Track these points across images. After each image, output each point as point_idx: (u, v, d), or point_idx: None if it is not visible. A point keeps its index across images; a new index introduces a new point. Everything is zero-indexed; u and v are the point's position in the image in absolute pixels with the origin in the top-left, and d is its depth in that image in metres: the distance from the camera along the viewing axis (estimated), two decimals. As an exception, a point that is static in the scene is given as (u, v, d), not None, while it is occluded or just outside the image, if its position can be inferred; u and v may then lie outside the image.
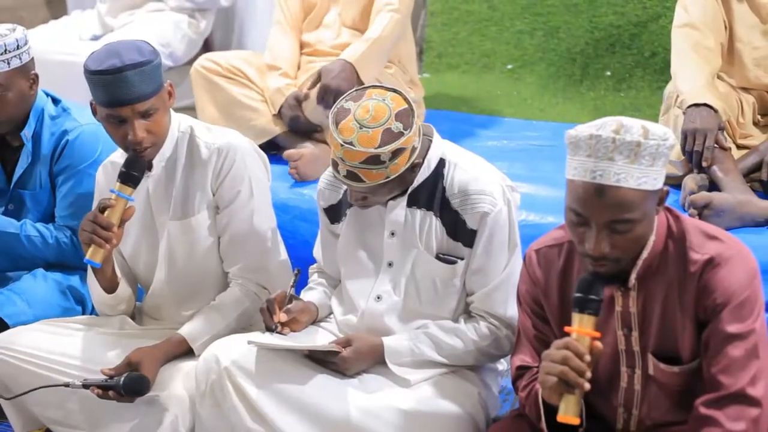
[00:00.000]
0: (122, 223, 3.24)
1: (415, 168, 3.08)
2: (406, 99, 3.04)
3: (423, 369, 3.14)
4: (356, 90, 3.08)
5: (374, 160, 2.97)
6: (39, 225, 3.80)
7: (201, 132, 3.42)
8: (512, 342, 3.13)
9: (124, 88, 3.17)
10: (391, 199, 3.14)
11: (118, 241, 3.25)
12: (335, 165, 3.04)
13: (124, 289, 3.46)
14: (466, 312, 3.22)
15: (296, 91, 4.47)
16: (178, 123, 3.40)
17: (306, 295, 3.36)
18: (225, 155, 3.36)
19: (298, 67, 4.66)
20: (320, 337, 3.26)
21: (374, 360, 3.14)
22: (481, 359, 3.20)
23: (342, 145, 2.97)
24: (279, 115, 4.52)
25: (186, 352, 3.32)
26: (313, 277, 3.47)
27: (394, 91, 3.05)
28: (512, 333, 3.13)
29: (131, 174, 3.24)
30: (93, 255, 3.21)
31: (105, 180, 3.49)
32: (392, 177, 3.02)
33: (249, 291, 3.43)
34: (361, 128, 2.97)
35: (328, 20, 4.70)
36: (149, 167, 3.36)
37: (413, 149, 3.03)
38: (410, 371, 3.12)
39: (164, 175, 3.40)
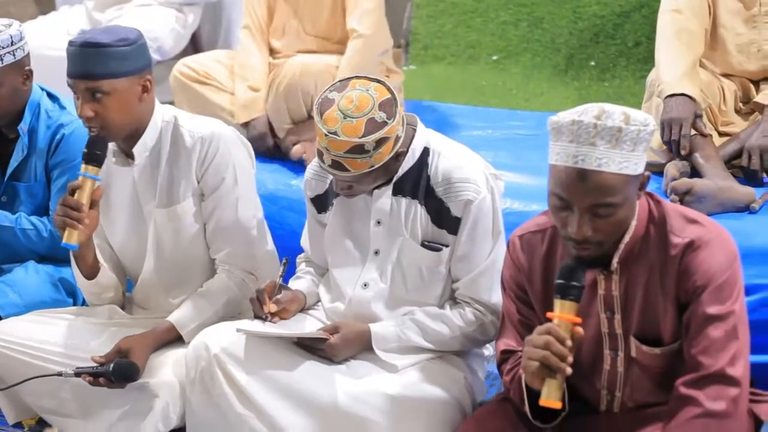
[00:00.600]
0: (94, 204, 3.27)
1: (399, 157, 3.11)
2: (389, 89, 3.07)
3: (410, 355, 3.17)
4: (340, 81, 3.11)
5: (358, 150, 3.00)
6: (33, 218, 3.83)
7: (185, 121, 3.44)
8: (497, 327, 3.13)
9: (79, 62, 3.24)
10: (377, 188, 3.17)
11: (93, 222, 3.28)
12: (320, 155, 3.07)
13: (107, 276, 3.48)
14: (452, 298, 3.25)
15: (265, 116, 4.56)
16: (162, 113, 3.42)
17: (294, 284, 3.39)
18: (209, 143, 3.39)
19: (269, 70, 4.70)
20: (308, 325, 3.29)
21: (361, 346, 3.17)
22: (467, 344, 3.24)
23: (326, 135, 3.00)
24: (244, 126, 4.57)
25: (175, 339, 3.35)
26: (301, 267, 3.49)
27: (378, 81, 3.08)
28: (497, 318, 3.15)
29: (94, 153, 3.27)
30: (69, 238, 3.25)
31: None
32: (376, 166, 3.05)
33: (236, 277, 3.45)
34: (345, 118, 3.00)
35: (290, 29, 4.74)
36: (131, 157, 3.39)
37: (397, 138, 3.06)
38: (397, 357, 3.15)
39: (149, 164, 3.42)
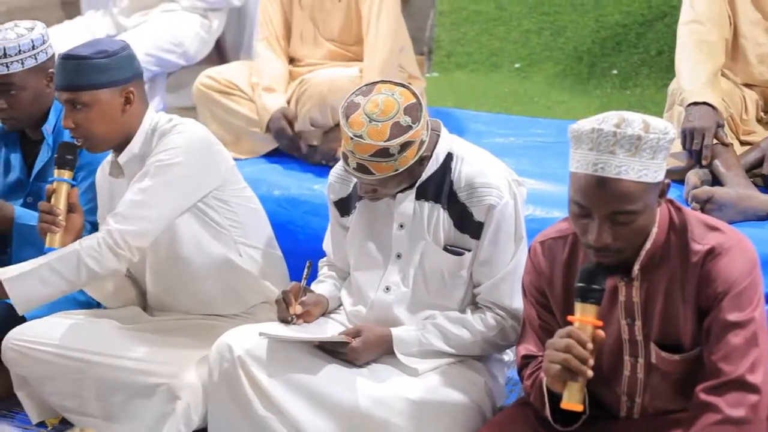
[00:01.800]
0: (74, 207, 3.35)
1: (423, 161, 3.13)
2: (414, 93, 3.09)
3: (430, 359, 3.18)
4: (366, 85, 3.13)
5: (383, 153, 3.02)
6: None
7: (162, 122, 3.45)
8: (518, 332, 3.15)
9: (61, 74, 3.31)
10: (400, 191, 3.19)
11: (76, 225, 3.37)
12: (345, 158, 3.09)
13: (101, 282, 3.49)
14: (473, 303, 3.26)
15: (284, 107, 4.54)
16: (150, 120, 3.45)
17: (317, 288, 3.41)
18: (164, 132, 3.40)
19: (289, 80, 4.71)
20: (330, 328, 3.30)
21: (383, 350, 3.18)
22: (487, 349, 3.25)
23: (352, 138, 3.02)
24: (267, 129, 4.57)
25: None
26: (323, 270, 3.51)
27: (403, 85, 3.11)
28: (518, 323, 3.16)
29: (64, 158, 3.37)
30: (50, 242, 3.33)
31: (101, 177, 3.58)
32: (401, 170, 3.07)
33: (105, 239, 3.33)
34: (370, 122, 3.02)
35: (308, 35, 4.74)
36: (121, 171, 3.43)
37: (421, 143, 3.08)
38: (418, 361, 3.16)
39: (138, 170, 3.41)
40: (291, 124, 4.55)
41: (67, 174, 3.35)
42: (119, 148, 3.42)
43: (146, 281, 3.56)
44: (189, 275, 3.49)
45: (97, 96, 3.31)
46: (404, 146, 3.03)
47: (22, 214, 3.82)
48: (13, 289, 3.29)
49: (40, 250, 3.78)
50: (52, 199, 3.33)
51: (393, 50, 4.59)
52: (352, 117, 3.04)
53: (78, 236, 3.34)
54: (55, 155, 3.35)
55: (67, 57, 3.29)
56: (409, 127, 3.03)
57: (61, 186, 3.35)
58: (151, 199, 3.33)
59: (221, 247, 3.49)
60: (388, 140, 3.01)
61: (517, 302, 3.16)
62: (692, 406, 2.65)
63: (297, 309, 3.22)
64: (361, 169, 3.06)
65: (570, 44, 5.79)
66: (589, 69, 5.64)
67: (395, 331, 3.19)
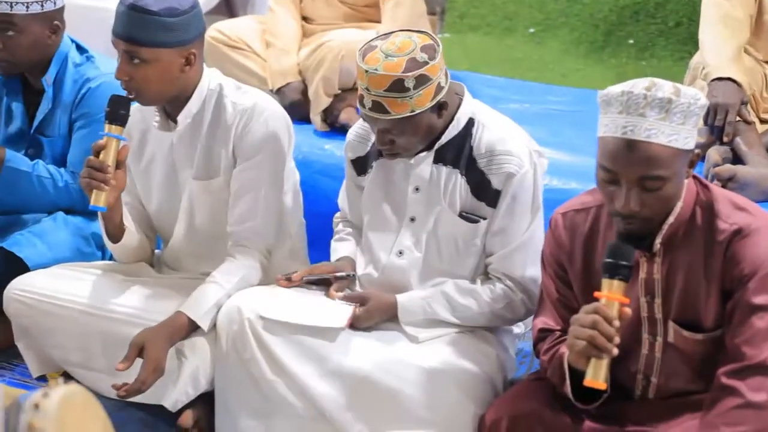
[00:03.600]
0: (120, 164, 3.20)
1: (441, 110, 3.07)
2: (433, 38, 3.06)
3: (434, 328, 3.15)
4: (384, 33, 3.11)
5: (399, 87, 2.97)
6: (51, 167, 3.79)
7: (230, 91, 3.39)
8: (527, 306, 3.16)
9: (123, 23, 3.17)
10: (419, 153, 3.14)
11: (120, 183, 3.22)
12: (361, 99, 3.04)
13: (131, 239, 3.44)
14: (484, 273, 3.23)
15: (297, 81, 4.55)
16: (209, 80, 3.37)
17: (339, 246, 3.39)
18: (249, 115, 3.33)
19: (302, 38, 4.71)
20: (326, 302, 3.23)
21: (386, 317, 3.17)
22: (494, 321, 3.21)
23: (367, 72, 2.98)
24: (278, 92, 4.54)
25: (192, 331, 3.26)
26: (339, 227, 3.48)
27: (421, 32, 3.08)
28: (527, 297, 3.15)
29: (117, 112, 3.20)
30: (96, 200, 3.17)
31: (132, 125, 3.46)
32: (417, 111, 3.00)
33: (250, 257, 3.37)
34: (386, 57, 2.99)
35: None
36: (174, 121, 3.35)
37: (439, 86, 3.03)
38: (421, 330, 3.14)
39: (189, 131, 3.37)
40: (304, 94, 4.54)
41: (117, 130, 3.19)
42: (171, 103, 3.33)
43: (172, 238, 3.51)
44: (219, 247, 3.42)
45: (159, 54, 3.19)
46: (420, 80, 2.98)
47: (12, 157, 3.76)
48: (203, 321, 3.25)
49: (28, 198, 3.73)
50: (101, 155, 3.19)
51: (412, 12, 4.57)
52: (368, 55, 3.01)
53: (121, 193, 3.25)
54: (106, 108, 3.21)
55: (132, 7, 3.15)
56: (426, 63, 2.98)
57: (112, 142, 3.19)
58: (259, 209, 3.37)
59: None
60: (404, 72, 2.96)
61: (529, 274, 3.14)
62: (713, 389, 2.62)
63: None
64: (377, 107, 3.00)
65: (587, 11, 5.75)
66: (604, 37, 5.61)
67: (401, 299, 3.16)
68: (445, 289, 3.17)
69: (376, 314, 3.16)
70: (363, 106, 3.04)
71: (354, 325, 3.13)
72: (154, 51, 3.18)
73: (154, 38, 3.17)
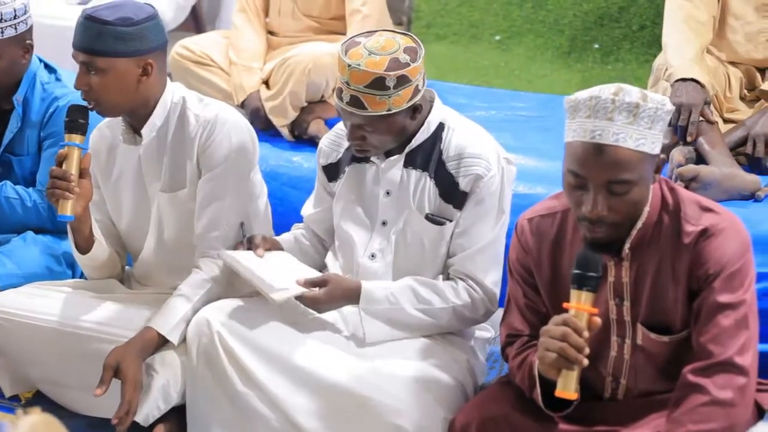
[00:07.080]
0: (84, 172, 3.22)
1: (415, 113, 3.12)
2: (415, 41, 3.11)
3: (390, 329, 3.16)
4: (368, 31, 3.15)
5: (379, 84, 3.01)
6: (19, 188, 3.80)
7: (192, 103, 3.40)
8: (486, 307, 3.19)
9: (80, 34, 3.21)
10: (389, 155, 3.17)
11: (86, 192, 3.23)
12: (339, 92, 3.08)
13: (102, 251, 3.44)
14: (445, 274, 3.25)
15: (259, 91, 4.57)
16: (172, 93, 3.38)
17: (280, 237, 3.42)
18: (211, 127, 3.34)
19: (267, 52, 4.74)
20: (302, 271, 3.25)
21: (347, 302, 3.17)
22: (454, 320, 3.21)
23: (349, 66, 3.02)
24: (241, 106, 4.56)
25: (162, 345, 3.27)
26: (292, 230, 3.50)
27: (405, 34, 3.14)
28: (488, 299, 3.18)
29: (76, 121, 3.22)
30: (62, 209, 3.19)
31: (97, 140, 3.49)
32: (393, 111, 3.05)
33: (215, 269, 3.38)
34: (370, 54, 3.04)
35: (286, 9, 4.77)
36: (139, 134, 3.36)
37: (417, 89, 3.08)
38: (374, 326, 3.14)
39: (155, 144, 3.38)
40: (262, 104, 4.58)
41: (78, 138, 3.21)
42: (133, 115, 3.34)
43: (143, 252, 3.51)
44: (189, 258, 3.42)
45: (114, 64, 3.22)
46: (400, 81, 3.03)
47: None
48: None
49: None
50: (64, 165, 3.21)
51: (380, 27, 4.58)
52: (352, 50, 3.06)
53: (88, 203, 3.26)
54: (65, 119, 3.23)
55: (88, 18, 3.19)
56: (408, 64, 3.03)
57: (73, 151, 3.21)
58: (223, 219, 3.38)
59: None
60: (386, 70, 3.01)
61: (491, 278, 3.17)
62: (679, 387, 2.62)
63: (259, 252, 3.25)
64: (354, 102, 3.04)
65: (551, 17, 5.76)
66: (570, 43, 5.62)
67: (366, 285, 3.17)
68: (409, 282, 3.18)
69: (336, 297, 3.15)
70: (341, 99, 3.07)
71: (312, 308, 3.14)
72: (109, 60, 3.20)
73: (109, 48, 3.19)
